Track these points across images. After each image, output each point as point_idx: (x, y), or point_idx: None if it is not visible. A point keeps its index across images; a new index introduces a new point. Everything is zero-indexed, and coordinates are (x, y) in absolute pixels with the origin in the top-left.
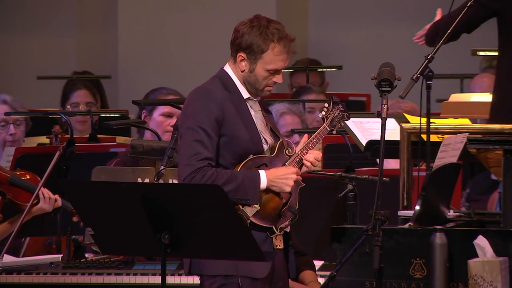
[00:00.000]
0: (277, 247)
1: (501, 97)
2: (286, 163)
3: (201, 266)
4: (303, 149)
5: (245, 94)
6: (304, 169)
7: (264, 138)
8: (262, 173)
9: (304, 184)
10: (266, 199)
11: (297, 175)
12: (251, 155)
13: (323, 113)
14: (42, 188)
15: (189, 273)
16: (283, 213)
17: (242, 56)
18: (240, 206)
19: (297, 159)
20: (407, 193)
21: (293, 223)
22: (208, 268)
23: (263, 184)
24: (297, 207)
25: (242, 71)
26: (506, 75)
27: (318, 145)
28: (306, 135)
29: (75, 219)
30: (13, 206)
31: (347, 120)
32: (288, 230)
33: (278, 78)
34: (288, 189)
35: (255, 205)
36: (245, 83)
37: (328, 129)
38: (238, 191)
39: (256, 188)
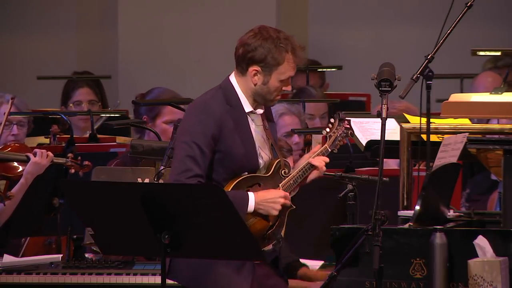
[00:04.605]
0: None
1: None
2: (280, 185)
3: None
4: (299, 171)
5: (248, 108)
6: (316, 173)
7: (261, 154)
8: (251, 195)
9: (294, 207)
10: (252, 221)
11: (285, 199)
12: (246, 173)
13: (327, 130)
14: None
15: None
16: (268, 235)
17: (256, 70)
18: None
19: (291, 181)
20: (407, 193)
21: (277, 246)
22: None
23: (251, 207)
24: (283, 230)
25: (255, 84)
26: None
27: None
28: (305, 156)
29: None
30: (13, 181)
31: (350, 137)
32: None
33: (288, 87)
34: (275, 212)
35: None
36: (254, 95)
37: (329, 149)
38: None
39: (242, 211)
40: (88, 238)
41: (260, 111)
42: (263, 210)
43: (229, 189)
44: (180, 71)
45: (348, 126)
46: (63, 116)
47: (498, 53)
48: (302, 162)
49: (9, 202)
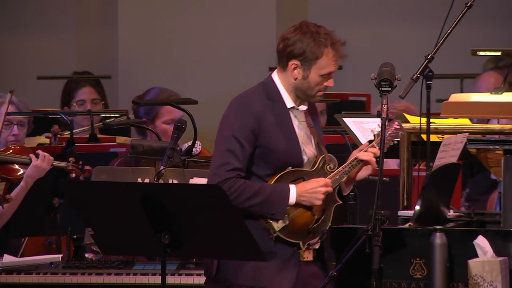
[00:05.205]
0: (304, 259)
1: None
2: None
3: (229, 275)
4: (346, 167)
5: (289, 104)
6: (367, 169)
7: (304, 150)
8: (292, 187)
9: (340, 202)
10: (296, 214)
11: (326, 186)
12: (290, 167)
13: (378, 129)
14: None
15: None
16: (314, 229)
17: (296, 64)
18: (268, 219)
19: (337, 177)
20: (407, 193)
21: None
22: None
23: (292, 199)
24: (329, 224)
25: (295, 79)
26: None
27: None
28: (353, 153)
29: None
30: (13, 183)
31: (399, 139)
32: (316, 247)
33: (330, 82)
34: (318, 202)
35: (283, 220)
36: (295, 91)
37: (376, 146)
38: (265, 205)
39: (283, 203)
40: (88, 238)
41: (303, 107)
42: (306, 201)
43: (272, 183)
44: (180, 71)
45: (398, 126)
46: (63, 116)
47: (498, 53)
48: (350, 159)
49: (7, 205)
